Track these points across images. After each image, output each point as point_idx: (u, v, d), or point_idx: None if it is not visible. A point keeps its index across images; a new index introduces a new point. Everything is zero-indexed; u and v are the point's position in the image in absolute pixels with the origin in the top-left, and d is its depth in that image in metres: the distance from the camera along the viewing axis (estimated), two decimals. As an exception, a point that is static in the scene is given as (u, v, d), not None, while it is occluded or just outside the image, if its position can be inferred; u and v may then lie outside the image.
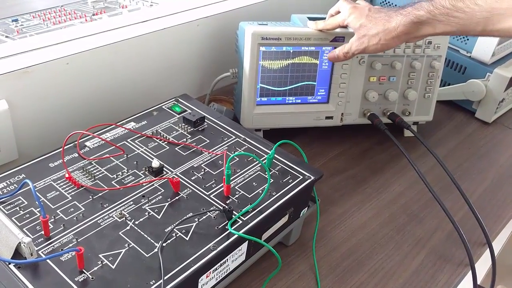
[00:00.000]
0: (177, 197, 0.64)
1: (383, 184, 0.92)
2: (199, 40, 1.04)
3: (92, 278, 0.52)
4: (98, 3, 1.20)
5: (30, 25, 1.07)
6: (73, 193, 0.63)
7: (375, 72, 0.96)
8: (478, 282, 0.78)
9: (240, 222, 0.61)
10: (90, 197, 0.63)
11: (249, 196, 0.66)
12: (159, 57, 0.98)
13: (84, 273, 0.53)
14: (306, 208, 0.74)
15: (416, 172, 0.85)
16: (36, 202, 0.57)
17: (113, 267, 0.54)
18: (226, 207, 0.62)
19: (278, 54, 0.89)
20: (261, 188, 0.67)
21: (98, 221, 0.59)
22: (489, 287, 0.88)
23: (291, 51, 0.90)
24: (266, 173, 0.69)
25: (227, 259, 0.61)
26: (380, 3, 1.28)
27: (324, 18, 0.90)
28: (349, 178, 0.93)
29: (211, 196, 0.65)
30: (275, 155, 0.73)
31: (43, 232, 0.57)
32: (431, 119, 1.04)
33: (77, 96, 0.87)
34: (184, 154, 0.72)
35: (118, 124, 0.76)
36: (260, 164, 0.71)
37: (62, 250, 0.55)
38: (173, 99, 0.85)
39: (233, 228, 0.60)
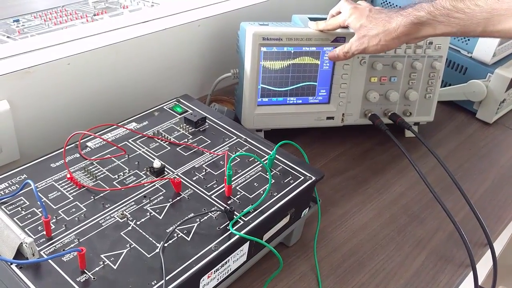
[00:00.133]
0: (178, 198, 0.64)
1: (384, 184, 0.92)
2: (200, 41, 1.05)
3: (93, 278, 0.52)
4: (99, 4, 1.20)
5: (31, 26, 1.07)
6: (74, 193, 0.63)
7: (376, 73, 0.96)
8: (479, 283, 0.78)
9: (242, 222, 0.61)
10: (92, 197, 0.63)
11: (251, 197, 0.66)
12: (160, 57, 0.98)
13: (86, 273, 0.53)
14: (307, 209, 0.74)
15: (417, 172, 0.85)
16: (38, 203, 0.57)
17: (115, 267, 0.54)
18: (228, 207, 0.62)
19: (279, 55, 0.89)
20: (262, 189, 0.67)
21: (100, 222, 0.60)
22: (490, 288, 0.89)
23: (292, 51, 0.90)
24: (267, 173, 0.69)
25: (229, 260, 0.61)
26: (381, 4, 1.28)
27: (325, 19, 0.90)
28: (350, 178, 0.93)
29: (213, 196, 0.65)
30: (276, 156, 0.73)
31: (44, 233, 0.57)
32: (432, 120, 1.04)
33: (79, 97, 0.87)
34: (186, 154, 0.72)
35: (119, 124, 0.76)
36: (261, 164, 0.71)
37: (63, 250, 0.55)
38: (174, 100, 0.85)
39: (234, 228, 0.60)
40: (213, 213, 0.62)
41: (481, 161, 1.01)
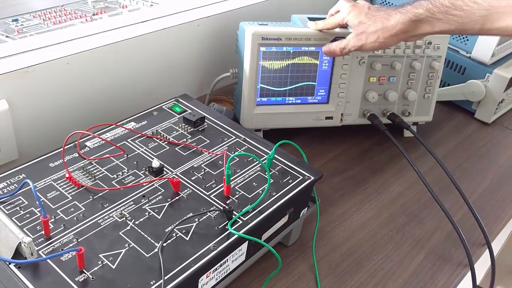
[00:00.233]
0: (177, 197, 0.64)
1: (383, 184, 0.92)
2: (199, 40, 1.05)
3: (92, 278, 0.52)
4: (98, 3, 1.20)
5: (30, 25, 1.07)
6: (73, 193, 0.63)
7: (375, 73, 0.96)
8: (477, 283, 0.78)
9: (240, 222, 0.62)
10: (91, 197, 0.63)
11: (249, 196, 0.66)
12: (159, 57, 0.98)
13: (85, 273, 0.53)
14: (306, 209, 0.74)
15: (415, 172, 0.85)
16: (37, 202, 0.57)
17: (113, 267, 0.54)
18: (226, 207, 0.62)
19: (278, 54, 0.89)
20: (261, 188, 0.67)
21: (99, 221, 0.60)
22: (488, 288, 0.89)
23: (291, 51, 0.90)
24: (266, 173, 0.69)
25: (227, 259, 0.61)
26: (380, 3, 1.28)
27: (324, 19, 0.90)
28: (349, 178, 0.93)
29: (211, 196, 0.65)
30: (275, 155, 0.73)
31: (43, 232, 0.57)
32: (430, 120, 1.04)
33: (77, 96, 0.87)
34: (184, 154, 0.72)
35: (118, 124, 0.76)
36: (260, 164, 0.71)
37: (62, 250, 0.55)
38: (173, 99, 0.85)
39: (233, 228, 0.60)
40: (211, 212, 0.62)
41: (480, 161, 1.01)
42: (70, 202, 0.62)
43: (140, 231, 0.59)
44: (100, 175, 0.67)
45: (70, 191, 0.63)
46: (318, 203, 0.76)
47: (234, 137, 0.77)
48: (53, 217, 0.59)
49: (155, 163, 0.67)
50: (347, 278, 0.73)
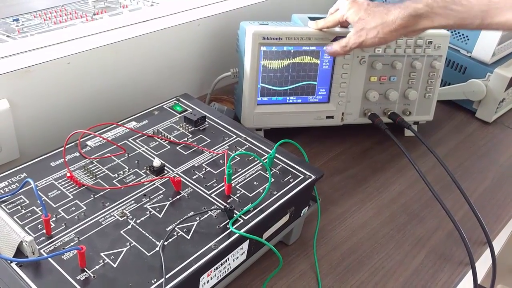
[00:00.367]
0: (178, 196, 0.64)
1: (384, 183, 0.92)
2: (200, 40, 1.05)
3: (93, 276, 0.53)
4: (99, 3, 1.20)
5: (31, 25, 1.07)
6: (74, 192, 0.63)
7: (376, 72, 0.96)
8: (478, 282, 0.78)
9: (241, 221, 0.62)
10: (92, 196, 0.63)
11: (250, 195, 0.66)
12: (160, 56, 0.98)
13: (86, 271, 0.53)
14: (306, 208, 0.74)
15: (416, 171, 0.85)
16: (38, 201, 0.57)
17: (115, 265, 0.54)
18: (227, 206, 0.62)
19: (279, 54, 0.90)
20: (262, 187, 0.67)
21: (100, 220, 0.60)
22: (489, 287, 0.89)
23: (292, 50, 0.90)
24: (267, 172, 0.69)
25: (228, 258, 0.61)
26: None
27: (324, 18, 0.90)
28: (350, 177, 0.93)
29: (212, 195, 0.65)
30: (276, 155, 0.73)
31: (44, 231, 0.57)
32: (431, 119, 1.04)
33: (78, 96, 0.87)
34: (185, 153, 0.72)
35: (119, 123, 0.76)
36: (261, 163, 0.72)
37: (63, 248, 0.55)
38: (174, 99, 0.85)
39: (234, 227, 0.60)
40: (213, 211, 0.62)
41: (481, 160, 1.01)
42: (71, 201, 0.62)
43: (141, 230, 0.59)
44: (101, 174, 0.67)
45: (71, 190, 0.64)
46: (319, 202, 0.76)
47: (235, 136, 0.77)
48: (54, 216, 0.59)
49: (156, 162, 0.68)
50: (348, 277, 0.73)
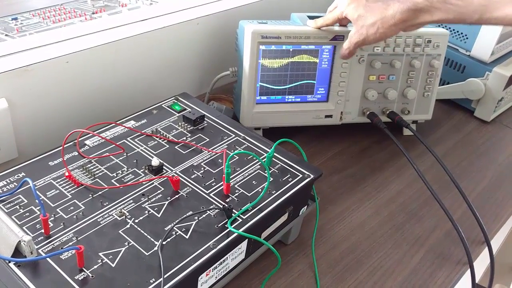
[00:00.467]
0: (177, 196, 0.64)
1: (382, 182, 0.92)
2: (199, 39, 1.05)
3: (92, 276, 0.53)
4: (98, 2, 1.20)
5: (29, 24, 1.07)
6: (73, 191, 0.63)
7: (375, 71, 0.96)
8: (477, 281, 0.78)
9: (240, 220, 0.62)
10: (90, 195, 0.63)
11: (249, 195, 0.66)
12: (159, 55, 0.98)
13: (84, 271, 0.53)
14: (305, 207, 0.74)
15: (415, 170, 0.86)
16: (36, 201, 0.57)
17: (113, 265, 0.54)
18: (226, 205, 0.62)
19: (278, 53, 0.89)
20: (260, 187, 0.67)
21: (98, 220, 0.60)
22: (487, 286, 0.89)
23: (291, 49, 0.90)
24: (266, 171, 0.69)
25: (227, 258, 0.61)
26: None
27: (323, 17, 0.90)
28: (348, 176, 0.93)
29: (211, 194, 0.65)
30: (275, 154, 0.73)
31: (43, 231, 0.57)
32: (430, 118, 1.04)
33: (77, 95, 0.87)
34: (184, 152, 0.72)
35: (118, 122, 0.76)
36: (259, 162, 0.72)
37: (62, 248, 0.55)
38: (173, 98, 0.85)
39: (232, 226, 0.60)
40: (211, 211, 0.62)
41: (479, 159, 1.01)
42: (70, 200, 0.62)
43: (139, 229, 0.59)
44: (100, 174, 0.67)
45: (70, 189, 0.63)
46: (317, 201, 0.76)
47: (233, 135, 0.77)
48: (52, 215, 0.59)
49: (155, 162, 0.67)
50: (346, 276, 0.73)
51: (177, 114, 0.80)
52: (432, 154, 0.90)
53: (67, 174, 0.65)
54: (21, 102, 0.79)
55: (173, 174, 0.68)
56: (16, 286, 0.50)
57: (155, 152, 0.72)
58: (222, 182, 0.66)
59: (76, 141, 0.71)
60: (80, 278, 0.52)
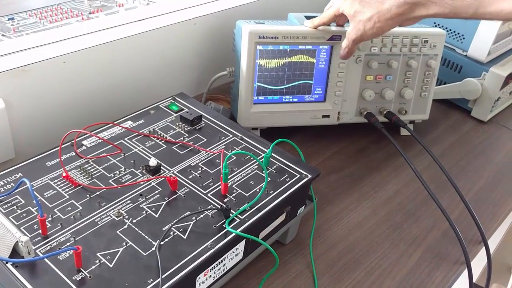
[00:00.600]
0: (174, 196, 0.64)
1: (380, 182, 0.92)
2: (196, 39, 1.04)
3: (90, 276, 0.52)
4: (95, 2, 1.19)
5: (26, 24, 1.07)
6: (70, 192, 0.63)
7: (372, 71, 0.96)
8: (474, 280, 0.78)
9: (238, 220, 0.62)
10: (88, 196, 0.63)
11: (247, 195, 0.66)
12: (156, 55, 0.98)
13: (82, 271, 0.53)
14: (303, 207, 0.74)
15: (412, 170, 0.86)
16: (34, 201, 0.56)
17: (111, 265, 0.54)
18: (224, 205, 0.62)
19: (275, 53, 0.90)
20: (258, 187, 0.67)
21: (96, 220, 0.59)
22: (485, 285, 0.89)
23: (288, 49, 0.90)
24: (263, 171, 0.69)
25: (225, 258, 0.61)
26: None
27: (321, 17, 0.90)
28: (346, 176, 0.93)
29: (209, 194, 0.65)
30: (272, 154, 0.73)
31: (40, 231, 0.57)
32: (427, 118, 1.04)
33: (74, 95, 0.87)
34: (181, 153, 0.72)
35: (115, 123, 0.76)
36: (257, 162, 0.72)
37: (59, 249, 0.55)
38: (170, 98, 0.85)
39: (230, 226, 0.60)
40: (209, 211, 0.62)
41: (476, 159, 1.02)
42: (67, 201, 0.62)
43: (137, 229, 0.59)
44: (97, 174, 0.66)
45: (67, 190, 0.63)
46: (315, 201, 0.76)
47: (231, 135, 0.77)
48: (50, 216, 0.59)
49: (152, 162, 0.67)
50: (344, 276, 0.73)
51: (175, 114, 0.80)
52: (429, 154, 0.91)
53: (64, 174, 0.65)
54: (18, 102, 0.79)
55: (171, 175, 0.68)
56: (13, 287, 0.50)
57: (152, 153, 0.72)
58: (219, 182, 0.66)
59: (73, 141, 0.71)
60: (78, 279, 0.52)
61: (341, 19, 0.89)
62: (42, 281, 0.51)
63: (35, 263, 0.53)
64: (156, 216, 0.61)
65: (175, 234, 0.59)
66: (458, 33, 1.12)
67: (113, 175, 0.67)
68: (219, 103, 1.03)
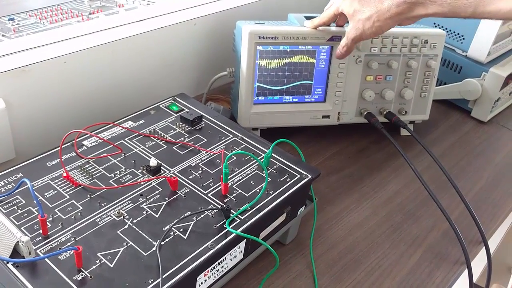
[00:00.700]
0: (175, 196, 0.64)
1: (380, 183, 0.92)
2: (196, 39, 1.05)
3: (90, 277, 0.52)
4: (95, 2, 1.19)
5: (26, 24, 1.07)
6: (71, 192, 0.63)
7: (372, 71, 0.96)
8: (474, 280, 0.78)
9: (238, 220, 0.62)
10: (88, 196, 0.63)
11: (247, 195, 0.66)
12: (156, 56, 0.98)
13: (83, 272, 0.53)
14: (303, 207, 0.74)
15: (412, 170, 0.86)
16: (34, 201, 0.56)
17: (112, 265, 0.54)
18: (224, 205, 0.62)
19: (275, 53, 0.90)
20: (258, 187, 0.67)
21: (96, 220, 0.60)
22: (485, 285, 0.89)
23: (288, 50, 0.90)
24: (264, 172, 0.69)
25: (225, 258, 0.61)
26: None
27: (321, 18, 0.90)
28: (346, 177, 0.93)
29: (209, 195, 0.65)
30: (272, 154, 0.73)
31: (41, 231, 0.57)
32: (427, 118, 1.05)
33: (75, 95, 0.87)
34: (182, 153, 0.72)
35: (115, 123, 0.76)
36: (257, 163, 0.72)
37: (60, 249, 0.55)
38: (171, 98, 0.85)
39: (231, 226, 0.60)
40: (209, 211, 0.62)
41: (476, 159, 1.02)
42: (68, 201, 0.62)
43: (138, 230, 0.59)
44: (98, 174, 0.67)
45: (68, 190, 0.63)
46: (315, 201, 0.76)
47: (231, 136, 0.77)
48: (50, 216, 0.59)
49: (153, 162, 0.67)
50: (344, 277, 0.73)
51: (175, 115, 0.80)
52: (429, 154, 0.91)
53: (65, 174, 0.65)
54: (19, 103, 0.79)
55: (171, 175, 0.68)
56: (14, 287, 0.50)
57: (153, 153, 0.72)
58: (220, 183, 0.66)
59: (74, 141, 0.71)
60: (78, 279, 0.52)
61: (341, 19, 0.89)
62: (42, 281, 0.51)
63: (35, 263, 0.53)
64: (157, 216, 0.61)
65: (175, 234, 0.59)
66: (458, 34, 1.12)
67: (113, 175, 0.67)
68: (219, 104, 1.03)
